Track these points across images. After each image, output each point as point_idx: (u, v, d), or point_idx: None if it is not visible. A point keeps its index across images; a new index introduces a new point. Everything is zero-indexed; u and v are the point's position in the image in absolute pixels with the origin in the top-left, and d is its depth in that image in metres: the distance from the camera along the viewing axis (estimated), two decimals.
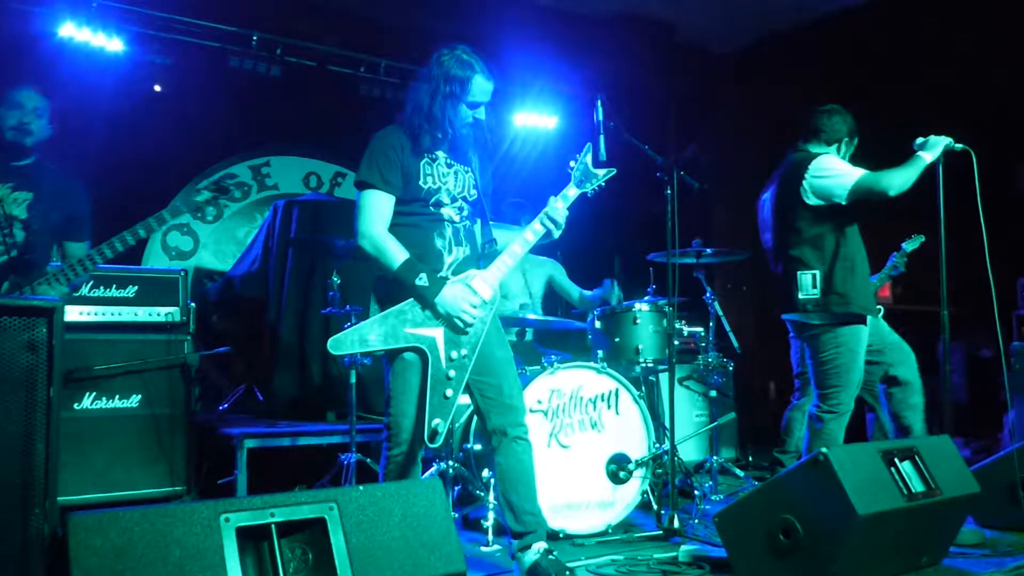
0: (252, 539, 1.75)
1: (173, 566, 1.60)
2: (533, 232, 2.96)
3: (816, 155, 3.67)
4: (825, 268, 3.60)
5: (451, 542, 1.97)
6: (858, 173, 3.53)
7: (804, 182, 3.61)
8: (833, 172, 3.58)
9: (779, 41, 6.62)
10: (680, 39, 6.85)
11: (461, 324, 2.82)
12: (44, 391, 1.60)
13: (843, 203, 3.55)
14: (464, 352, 2.85)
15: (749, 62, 6.94)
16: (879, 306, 3.85)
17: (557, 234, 2.99)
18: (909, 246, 4.70)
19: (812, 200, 3.61)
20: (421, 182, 2.90)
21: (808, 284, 3.63)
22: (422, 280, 2.79)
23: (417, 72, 3.05)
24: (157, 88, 5.68)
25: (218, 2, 5.75)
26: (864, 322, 3.62)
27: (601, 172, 3.02)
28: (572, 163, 3.03)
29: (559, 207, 2.96)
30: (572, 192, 3.00)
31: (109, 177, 5.54)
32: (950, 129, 3.57)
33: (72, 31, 5.24)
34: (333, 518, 1.83)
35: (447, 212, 2.94)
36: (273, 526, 1.77)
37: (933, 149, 3.48)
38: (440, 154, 2.97)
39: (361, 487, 1.93)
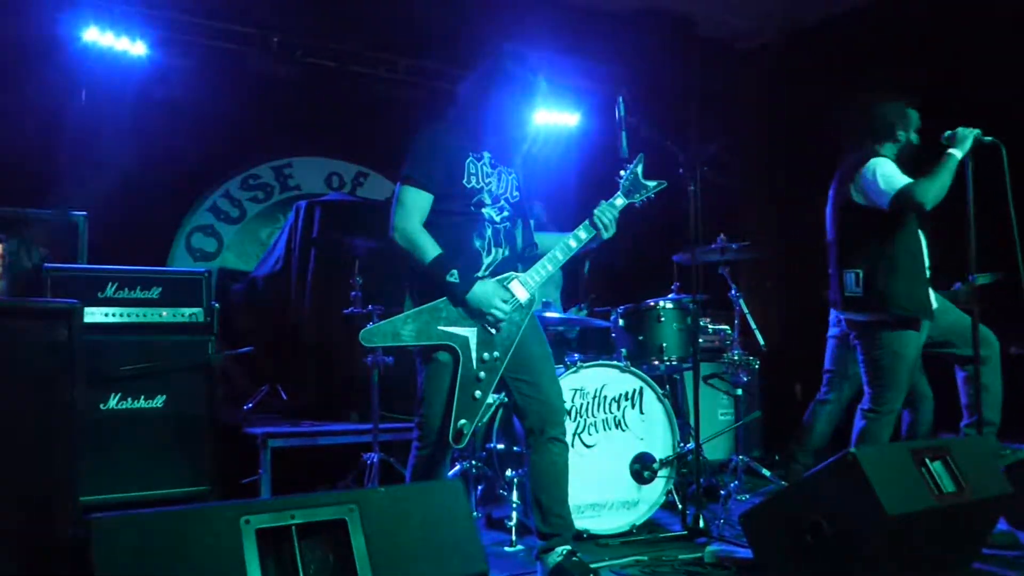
0: (273, 541, 1.74)
1: (194, 568, 1.60)
2: (576, 239, 2.94)
3: (870, 157, 3.60)
4: (867, 267, 3.60)
5: (473, 543, 1.96)
6: (901, 182, 3.47)
7: (853, 183, 3.60)
8: (878, 178, 3.52)
9: (803, 35, 6.53)
10: (702, 34, 6.79)
11: (492, 322, 2.80)
12: (66, 392, 1.60)
13: (886, 209, 3.52)
14: (496, 355, 2.82)
15: (772, 57, 6.85)
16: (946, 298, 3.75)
17: (606, 236, 2.96)
18: (980, 280, 4.48)
19: (859, 200, 3.60)
20: (464, 180, 2.88)
21: (852, 282, 3.65)
22: (453, 276, 2.77)
23: (467, 69, 3.05)
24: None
25: (238, 5, 5.77)
26: (912, 326, 3.56)
27: (652, 183, 3.01)
28: (621, 172, 3.01)
29: (605, 217, 2.93)
30: (619, 202, 2.99)
31: (134, 180, 5.59)
32: (981, 122, 3.51)
33: (96, 35, 5.28)
34: (354, 520, 1.82)
35: (488, 212, 2.91)
36: (294, 528, 1.76)
37: (962, 143, 3.43)
38: (486, 154, 2.94)
39: (382, 489, 1.92)
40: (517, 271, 2.93)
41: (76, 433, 1.63)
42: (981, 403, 3.61)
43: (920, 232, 3.66)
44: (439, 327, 2.79)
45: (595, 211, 2.95)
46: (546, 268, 2.91)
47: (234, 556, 1.67)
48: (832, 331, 4.84)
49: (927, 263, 3.66)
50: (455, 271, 2.77)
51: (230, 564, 1.66)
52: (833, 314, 4.87)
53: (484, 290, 2.80)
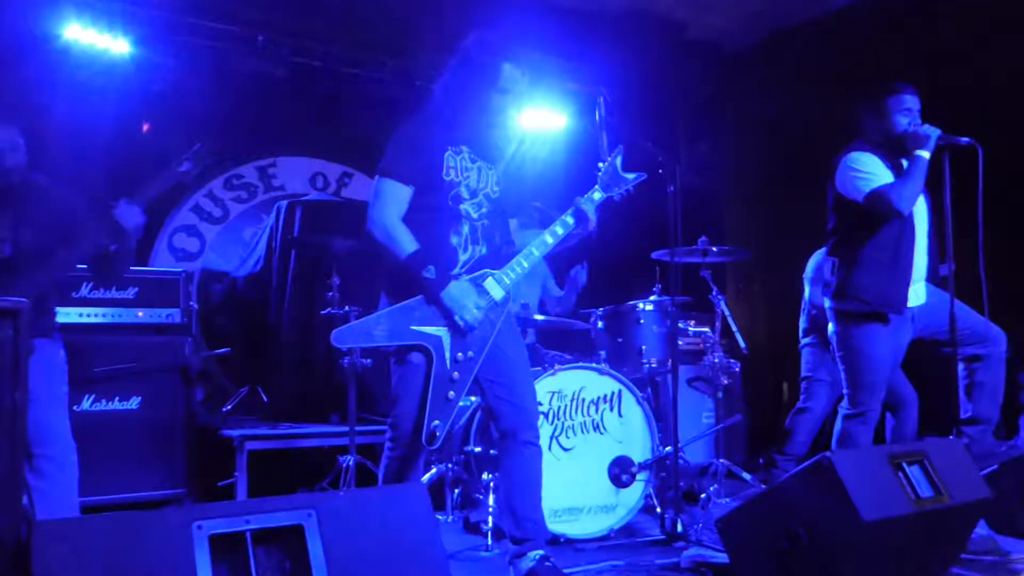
0: (227, 547, 1.70)
1: None
2: (553, 235, 2.89)
3: (849, 151, 3.54)
4: (840, 257, 3.55)
5: (435, 550, 1.91)
6: (875, 183, 3.42)
7: (835, 175, 3.55)
8: (852, 174, 3.47)
9: (791, 38, 6.51)
10: (690, 37, 6.76)
11: (465, 322, 2.76)
12: (9, 395, 1.56)
13: (861, 203, 3.46)
14: (470, 354, 2.78)
15: (761, 60, 6.84)
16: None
17: (586, 230, 2.92)
18: None
19: (839, 191, 3.54)
20: (443, 174, 2.83)
21: (829, 271, 3.61)
22: (429, 273, 2.72)
23: (441, 63, 2.99)
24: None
25: (223, 3, 5.73)
26: (878, 320, 3.48)
27: (631, 176, 2.96)
28: (601, 165, 2.96)
29: (582, 210, 2.89)
30: (597, 196, 2.94)
31: (115, 179, 5.54)
32: (965, 126, 3.47)
33: (78, 32, 5.23)
34: (311, 525, 1.77)
35: (465, 208, 2.86)
36: (248, 533, 1.72)
37: (927, 143, 3.40)
38: (464, 148, 2.89)
39: (342, 493, 1.88)
40: (493, 268, 2.89)
41: (21, 436, 1.59)
42: (970, 400, 3.57)
43: (914, 224, 3.54)
44: (412, 327, 2.75)
45: (565, 215, 2.91)
46: (521, 265, 2.87)
47: (185, 563, 1.63)
48: (805, 339, 4.83)
49: (914, 257, 3.53)
50: (431, 267, 2.73)
51: (181, 571, 1.62)
52: (804, 319, 4.86)
53: (458, 290, 2.76)
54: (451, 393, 2.74)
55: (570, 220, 2.91)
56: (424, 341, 2.75)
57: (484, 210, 2.92)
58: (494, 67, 2.82)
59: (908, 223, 3.52)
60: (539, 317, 4.35)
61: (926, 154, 3.39)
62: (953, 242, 3.38)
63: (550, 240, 2.89)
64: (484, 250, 2.90)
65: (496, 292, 2.83)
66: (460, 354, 2.77)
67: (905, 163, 3.50)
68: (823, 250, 4.77)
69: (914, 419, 3.95)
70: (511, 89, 2.86)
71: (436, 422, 2.71)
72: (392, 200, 2.80)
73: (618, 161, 2.96)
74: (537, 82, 2.99)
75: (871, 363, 3.51)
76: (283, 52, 5.94)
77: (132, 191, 2.95)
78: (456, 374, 2.76)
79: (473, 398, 3.84)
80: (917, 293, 3.58)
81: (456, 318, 2.75)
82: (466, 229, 2.87)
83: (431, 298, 2.75)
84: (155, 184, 2.97)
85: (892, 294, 3.48)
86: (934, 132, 3.41)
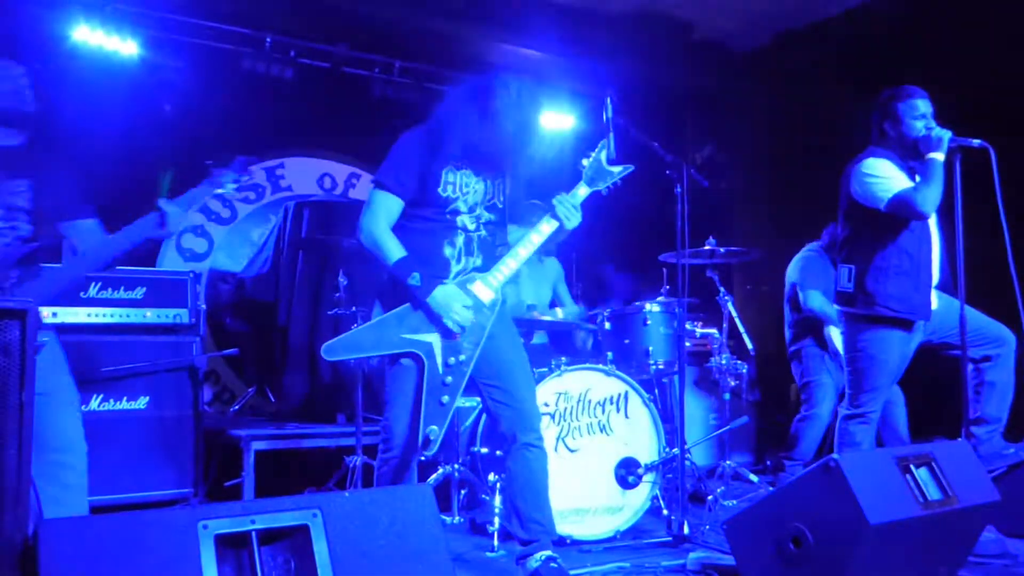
0: (232, 547, 1.70)
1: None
2: (539, 234, 2.88)
3: (866, 156, 3.51)
4: (860, 264, 3.51)
5: (439, 551, 1.91)
6: (896, 188, 3.39)
7: (852, 179, 3.51)
8: (871, 180, 3.44)
9: (797, 40, 6.50)
10: (697, 37, 6.75)
11: (453, 326, 2.77)
12: (16, 395, 1.57)
13: (883, 210, 3.43)
14: (462, 357, 2.79)
15: (768, 61, 6.83)
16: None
17: (570, 226, 2.88)
18: None
19: (856, 197, 3.51)
20: (440, 189, 2.84)
21: (844, 277, 3.56)
22: (414, 280, 2.74)
23: (461, 71, 3.00)
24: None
25: (231, 5, 5.75)
26: (900, 327, 3.47)
27: (616, 169, 2.94)
28: (584, 161, 2.95)
29: (566, 206, 2.87)
30: (582, 191, 2.92)
31: (123, 180, 5.56)
32: (973, 127, 3.46)
33: (86, 34, 5.26)
34: (317, 525, 1.78)
35: (462, 220, 2.87)
36: (254, 533, 1.73)
37: (939, 145, 3.38)
38: (467, 166, 2.89)
39: (347, 493, 1.88)
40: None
41: (27, 436, 1.60)
42: (979, 400, 3.55)
43: (930, 230, 3.54)
44: (402, 335, 2.77)
45: (554, 201, 2.89)
46: (508, 265, 2.86)
47: (190, 563, 1.63)
48: (795, 345, 4.82)
49: (932, 263, 3.53)
50: (416, 274, 2.75)
51: (186, 571, 1.62)
52: (793, 326, 4.85)
53: (444, 294, 2.77)
54: (445, 398, 2.76)
55: (553, 218, 2.88)
56: (415, 348, 2.77)
57: (484, 220, 2.93)
58: (487, 89, 2.84)
59: (925, 229, 3.51)
60: (547, 318, 4.35)
61: (940, 156, 3.36)
62: (967, 245, 3.36)
63: (536, 239, 2.88)
64: (479, 261, 2.90)
65: (484, 294, 2.83)
66: (452, 358, 2.78)
67: (917, 167, 3.48)
68: (807, 254, 4.81)
69: (903, 416, 3.95)
70: (506, 110, 2.84)
71: (432, 427, 2.73)
72: (381, 210, 2.83)
73: (603, 155, 2.94)
74: (538, 101, 2.98)
75: (882, 367, 3.50)
76: (291, 54, 5.98)
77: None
78: (449, 378, 2.77)
79: (479, 399, 3.84)
80: (937, 297, 3.57)
81: (445, 321, 2.76)
82: (461, 240, 2.88)
83: (418, 304, 2.77)
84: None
85: (918, 301, 3.47)
86: (946, 135, 3.38)
